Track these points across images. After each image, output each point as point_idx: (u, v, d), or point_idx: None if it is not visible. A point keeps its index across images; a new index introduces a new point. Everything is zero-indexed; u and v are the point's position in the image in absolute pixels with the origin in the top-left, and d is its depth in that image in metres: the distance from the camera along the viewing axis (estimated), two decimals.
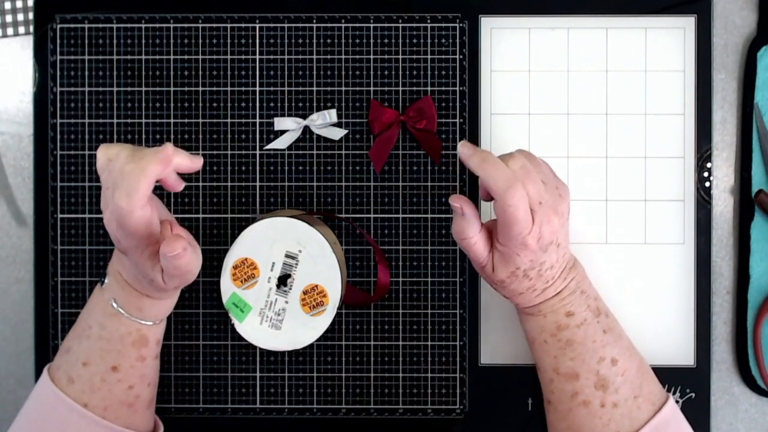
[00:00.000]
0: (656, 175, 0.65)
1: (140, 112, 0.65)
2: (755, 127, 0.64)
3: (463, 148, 0.54)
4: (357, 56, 0.65)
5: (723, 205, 0.65)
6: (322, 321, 0.59)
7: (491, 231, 0.56)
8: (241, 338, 0.63)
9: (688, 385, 0.65)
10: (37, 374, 0.65)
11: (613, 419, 0.55)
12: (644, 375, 0.57)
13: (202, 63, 0.65)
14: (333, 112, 0.65)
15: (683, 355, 0.65)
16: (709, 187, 0.65)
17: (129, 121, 0.65)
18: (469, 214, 0.54)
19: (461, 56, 0.65)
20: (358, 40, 0.65)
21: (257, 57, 0.65)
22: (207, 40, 0.65)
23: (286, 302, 0.58)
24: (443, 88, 0.65)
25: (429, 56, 0.65)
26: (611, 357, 0.55)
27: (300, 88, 0.65)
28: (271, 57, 0.65)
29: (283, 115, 0.65)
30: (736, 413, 0.65)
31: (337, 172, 0.65)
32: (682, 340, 0.65)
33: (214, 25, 0.65)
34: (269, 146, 0.65)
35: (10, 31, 0.66)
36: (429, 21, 0.65)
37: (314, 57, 0.65)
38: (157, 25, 0.65)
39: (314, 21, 0.65)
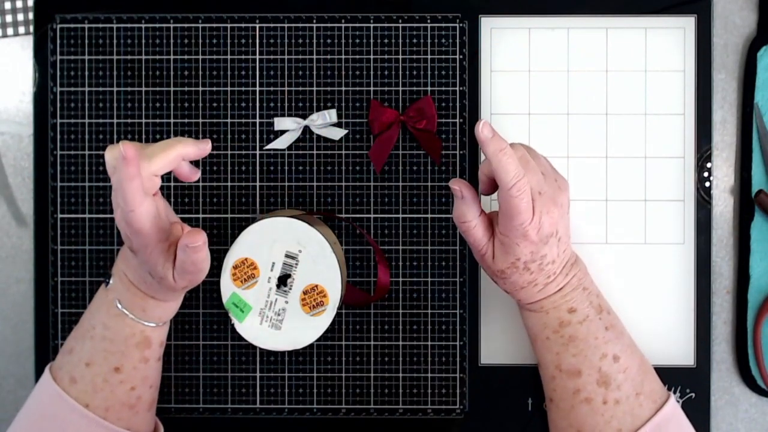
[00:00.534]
0: (656, 175, 0.65)
1: (140, 112, 0.65)
2: (755, 127, 0.64)
3: (484, 130, 0.52)
4: (357, 56, 0.65)
5: (723, 205, 0.65)
6: (322, 321, 0.59)
7: (492, 221, 0.56)
8: (241, 338, 0.63)
9: (688, 385, 0.65)
10: (37, 374, 0.65)
11: (615, 416, 0.55)
12: (646, 373, 0.57)
13: (202, 63, 0.65)
14: (333, 112, 0.65)
15: (683, 355, 0.65)
16: (709, 187, 0.65)
17: (129, 121, 0.65)
18: (469, 198, 0.55)
19: (461, 56, 0.65)
20: (358, 40, 0.65)
21: (257, 57, 0.65)
22: (207, 40, 0.65)
23: (286, 302, 0.58)
24: (443, 88, 0.65)
25: (429, 56, 0.65)
26: (613, 354, 0.55)
27: (300, 88, 0.65)
28: (271, 57, 0.65)
29: (283, 115, 0.65)
30: (736, 413, 0.65)
31: (337, 172, 0.65)
32: (682, 340, 0.65)
33: (214, 25, 0.65)
34: (269, 146, 0.65)
35: (10, 31, 0.66)
36: (429, 21, 0.65)
37: (314, 57, 0.65)
38: (157, 25, 0.65)
39: (314, 21, 0.65)
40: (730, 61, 0.65)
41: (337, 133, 0.65)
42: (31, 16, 0.66)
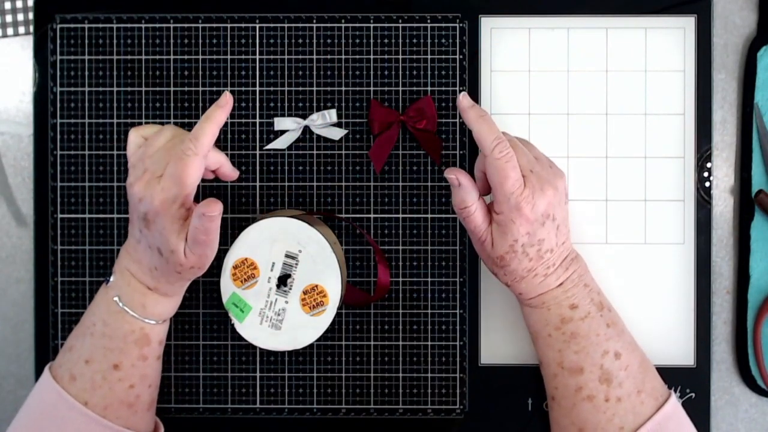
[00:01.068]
0: (656, 175, 0.65)
1: (140, 112, 0.65)
2: (755, 127, 0.64)
3: (464, 99, 0.57)
4: (357, 56, 0.65)
5: (723, 205, 0.65)
6: (322, 321, 0.59)
7: (490, 209, 0.57)
8: (241, 338, 0.63)
9: (688, 385, 0.65)
10: (38, 374, 0.65)
11: (617, 414, 0.55)
12: (646, 370, 0.57)
13: (202, 63, 0.65)
14: (333, 112, 0.65)
15: (683, 355, 0.65)
16: (709, 187, 0.65)
17: (129, 121, 0.65)
18: (465, 184, 0.56)
19: (461, 56, 0.65)
20: (358, 40, 0.65)
21: (257, 57, 0.65)
22: (207, 40, 0.65)
23: (286, 302, 0.58)
24: (443, 88, 0.65)
25: (429, 56, 0.65)
26: (615, 351, 0.56)
27: (300, 88, 0.65)
28: (271, 57, 0.65)
29: (283, 115, 0.65)
30: (736, 413, 0.65)
31: (337, 172, 0.65)
32: (682, 340, 0.65)
33: (214, 25, 0.65)
34: (269, 146, 0.65)
35: (10, 31, 0.66)
36: (429, 21, 0.65)
37: (314, 57, 0.65)
38: (157, 25, 0.65)
39: (314, 21, 0.65)
40: (730, 61, 0.65)
41: (337, 133, 0.65)
42: (31, 16, 0.66)
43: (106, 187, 0.65)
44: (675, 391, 0.64)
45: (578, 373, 0.55)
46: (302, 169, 0.65)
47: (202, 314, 0.65)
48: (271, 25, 0.65)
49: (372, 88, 0.65)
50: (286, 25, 0.65)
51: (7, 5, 0.66)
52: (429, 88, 0.65)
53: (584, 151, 0.65)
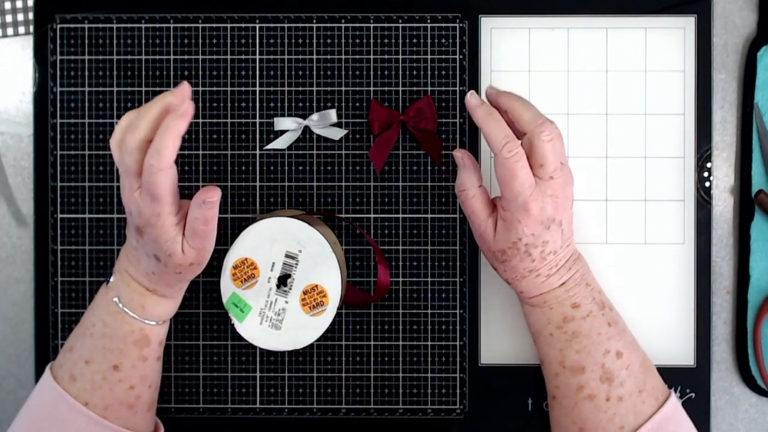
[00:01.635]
0: (656, 175, 0.65)
1: None
2: (755, 127, 0.64)
3: (472, 98, 0.56)
4: (357, 56, 0.65)
5: (723, 205, 0.65)
6: (322, 321, 0.59)
7: (495, 205, 0.57)
8: (241, 338, 0.63)
9: (688, 385, 0.65)
10: (38, 374, 0.65)
11: (618, 413, 0.55)
12: (647, 370, 0.57)
13: (202, 63, 0.65)
14: (333, 112, 0.65)
15: (683, 355, 0.65)
16: (709, 187, 0.65)
17: None
18: (470, 165, 0.56)
19: (461, 56, 0.65)
20: (358, 40, 0.65)
21: (257, 57, 0.65)
22: (207, 40, 0.65)
23: (286, 302, 0.58)
24: (443, 88, 0.65)
25: (429, 56, 0.65)
26: (616, 350, 0.56)
27: (300, 88, 0.65)
28: (271, 57, 0.65)
29: (283, 115, 0.65)
30: (736, 413, 0.65)
31: (337, 172, 0.65)
32: (682, 340, 0.65)
33: (214, 25, 0.65)
34: (269, 146, 0.65)
35: (10, 31, 0.66)
36: (429, 21, 0.65)
37: (314, 57, 0.65)
38: (157, 25, 0.65)
39: (314, 21, 0.65)
40: (730, 61, 0.65)
41: (337, 133, 0.65)
42: (31, 16, 0.66)
43: (106, 187, 0.65)
44: (675, 391, 0.64)
45: (580, 373, 0.55)
46: (302, 169, 0.65)
47: (202, 314, 0.65)
48: (271, 25, 0.65)
49: (372, 88, 0.65)
50: (286, 25, 0.65)
51: (7, 5, 0.66)
52: (429, 88, 0.65)
53: (584, 151, 0.65)
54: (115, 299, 0.56)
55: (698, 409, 0.64)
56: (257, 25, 0.65)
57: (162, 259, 0.54)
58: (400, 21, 0.65)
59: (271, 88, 0.65)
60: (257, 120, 0.65)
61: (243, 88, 0.65)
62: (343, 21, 0.65)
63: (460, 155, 0.56)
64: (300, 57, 0.65)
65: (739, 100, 0.65)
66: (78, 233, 0.65)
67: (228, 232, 0.65)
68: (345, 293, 0.61)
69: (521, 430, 0.65)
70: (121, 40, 0.65)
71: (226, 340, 0.65)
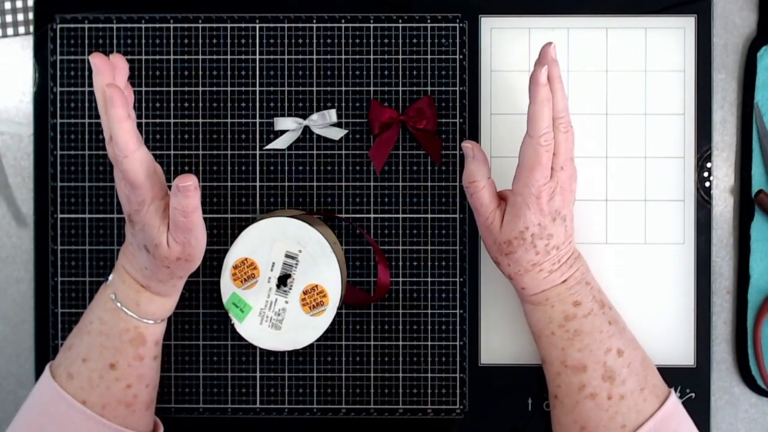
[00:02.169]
0: (656, 175, 0.65)
1: (140, 112, 0.65)
2: (755, 127, 0.64)
3: (542, 75, 0.53)
4: (357, 56, 0.65)
5: (723, 205, 0.65)
6: (322, 321, 0.59)
7: (503, 197, 0.58)
8: (241, 338, 0.63)
9: (688, 385, 0.65)
10: (37, 374, 0.65)
11: (619, 412, 0.55)
12: (648, 368, 0.57)
13: (202, 63, 0.65)
14: (333, 112, 0.65)
15: (683, 355, 0.65)
16: (709, 187, 0.65)
17: None
18: (480, 157, 0.57)
19: (461, 56, 0.65)
20: (358, 40, 0.65)
21: (257, 57, 0.65)
22: (207, 40, 0.65)
23: (286, 302, 0.58)
24: (443, 88, 0.65)
25: (429, 56, 0.65)
26: (617, 348, 0.56)
27: (300, 88, 0.65)
28: (271, 57, 0.65)
29: (283, 115, 0.65)
30: (736, 413, 0.65)
31: (337, 172, 0.65)
32: (682, 340, 0.65)
33: (214, 25, 0.65)
34: (269, 146, 0.65)
35: (10, 31, 0.66)
36: (429, 21, 0.65)
37: (314, 57, 0.65)
38: (157, 25, 0.65)
39: (314, 21, 0.65)
40: (730, 61, 0.65)
41: (337, 133, 0.65)
42: (31, 16, 0.66)
43: (106, 187, 0.65)
44: (675, 391, 0.64)
45: (581, 371, 0.55)
46: (302, 169, 0.65)
47: (202, 314, 0.65)
48: (271, 25, 0.65)
49: (372, 88, 0.65)
50: (286, 25, 0.65)
51: (7, 5, 0.66)
52: (429, 88, 0.65)
53: (584, 151, 0.65)
54: (112, 296, 0.57)
55: (698, 409, 0.64)
56: (257, 25, 0.65)
57: (151, 250, 0.54)
58: (400, 21, 0.65)
59: (271, 88, 0.65)
60: (257, 120, 0.65)
61: (243, 88, 0.65)
62: (343, 21, 0.65)
63: (470, 146, 0.57)
64: (300, 57, 0.65)
65: (739, 100, 0.65)
66: (78, 233, 0.65)
67: (228, 232, 0.65)
68: (345, 293, 0.61)
69: (521, 430, 0.65)
70: (121, 40, 0.65)
71: (226, 340, 0.65)
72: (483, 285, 0.65)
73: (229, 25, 0.65)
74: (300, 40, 0.65)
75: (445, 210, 0.65)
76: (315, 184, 0.65)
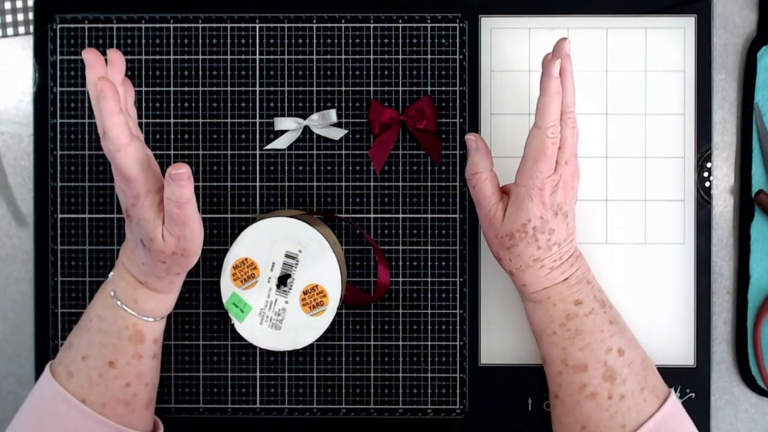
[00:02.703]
0: (656, 175, 0.65)
1: (140, 112, 0.65)
2: (755, 127, 0.64)
3: (555, 67, 0.54)
4: (357, 56, 0.65)
5: (723, 205, 0.65)
6: (322, 321, 0.59)
7: (506, 192, 0.58)
8: (241, 338, 0.63)
9: (688, 385, 0.65)
10: (37, 374, 0.65)
11: (620, 411, 0.55)
12: (648, 368, 0.57)
13: (202, 63, 0.65)
14: (333, 112, 0.65)
15: (683, 355, 0.65)
16: (709, 187, 0.65)
17: None
18: (483, 149, 0.58)
19: (461, 56, 0.65)
20: (358, 40, 0.65)
21: (257, 57, 0.65)
22: (207, 40, 0.65)
23: (286, 302, 0.58)
24: (443, 88, 0.65)
25: (429, 56, 0.65)
26: (618, 347, 0.56)
27: (300, 88, 0.65)
28: (271, 57, 0.65)
29: (283, 115, 0.65)
30: (736, 413, 0.65)
31: (337, 172, 0.65)
32: (682, 340, 0.65)
33: (214, 25, 0.65)
34: (269, 146, 0.65)
35: (10, 31, 0.66)
36: (429, 21, 0.65)
37: (314, 57, 0.65)
38: (157, 25, 0.65)
39: (314, 21, 0.65)
40: (730, 61, 0.65)
41: (337, 133, 0.65)
42: (31, 16, 0.66)
43: (106, 187, 0.65)
44: (675, 391, 0.64)
45: (582, 371, 0.56)
46: (302, 169, 0.65)
47: (202, 314, 0.65)
48: (271, 25, 0.65)
49: (372, 88, 0.65)
50: (286, 25, 0.65)
51: (7, 5, 0.66)
52: (429, 88, 0.65)
53: (584, 151, 0.65)
54: (111, 293, 0.57)
55: (698, 409, 0.64)
56: (257, 25, 0.65)
57: (146, 244, 0.54)
58: (400, 21, 0.65)
59: (271, 88, 0.65)
60: (257, 120, 0.65)
61: (243, 88, 0.65)
62: (343, 21, 0.65)
63: (474, 138, 0.57)
64: (300, 57, 0.65)
65: (739, 100, 0.65)
66: (78, 233, 0.65)
67: (228, 232, 0.65)
68: (345, 293, 0.61)
69: (521, 430, 0.65)
70: (121, 40, 0.65)
71: (226, 340, 0.65)
72: (483, 285, 0.65)
73: (229, 25, 0.65)
74: (300, 40, 0.65)
75: (445, 210, 0.65)
76: (315, 184, 0.65)
